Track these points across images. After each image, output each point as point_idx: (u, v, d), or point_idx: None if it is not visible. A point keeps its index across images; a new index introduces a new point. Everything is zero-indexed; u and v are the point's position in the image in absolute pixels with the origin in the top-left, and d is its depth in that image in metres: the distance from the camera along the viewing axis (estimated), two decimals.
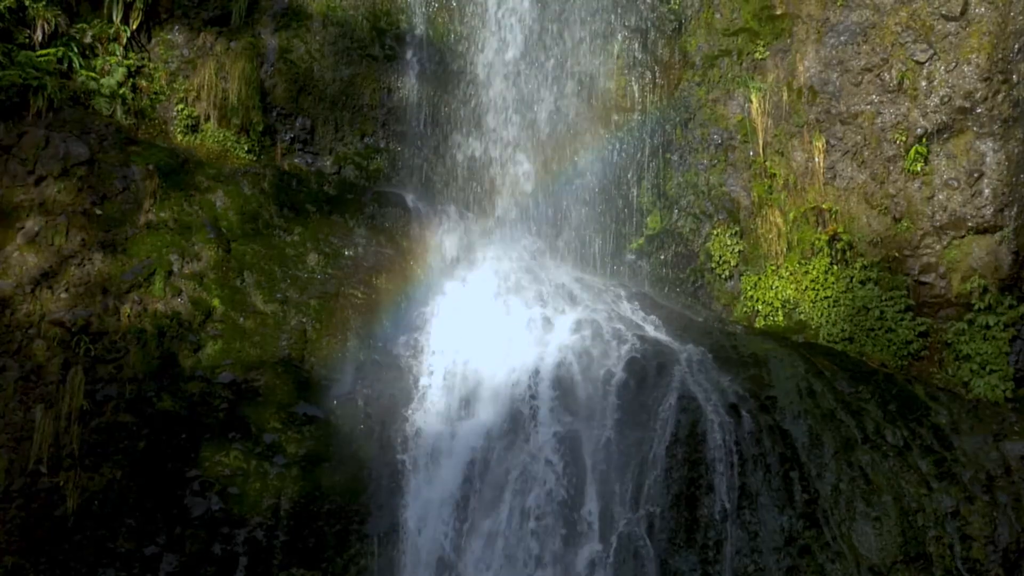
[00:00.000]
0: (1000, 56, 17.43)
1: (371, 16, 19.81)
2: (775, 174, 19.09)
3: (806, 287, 18.40)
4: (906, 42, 18.03)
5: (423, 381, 16.51)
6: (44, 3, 17.95)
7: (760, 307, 18.73)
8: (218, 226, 17.21)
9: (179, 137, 18.72)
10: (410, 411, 16.19)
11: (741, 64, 19.67)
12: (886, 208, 18.10)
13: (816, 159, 18.69)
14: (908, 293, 17.88)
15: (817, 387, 15.89)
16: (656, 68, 20.11)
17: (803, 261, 18.57)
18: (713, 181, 19.50)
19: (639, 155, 19.86)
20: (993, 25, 17.48)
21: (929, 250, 17.84)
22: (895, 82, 18.07)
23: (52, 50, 17.89)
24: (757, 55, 19.52)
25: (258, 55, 19.25)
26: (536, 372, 16.16)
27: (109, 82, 18.25)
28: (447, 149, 19.67)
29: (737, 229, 19.20)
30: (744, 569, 14.29)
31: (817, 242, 18.49)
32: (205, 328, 16.27)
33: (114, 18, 18.64)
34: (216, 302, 16.52)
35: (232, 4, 19.25)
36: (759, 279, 18.87)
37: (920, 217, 17.86)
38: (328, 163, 19.36)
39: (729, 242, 19.12)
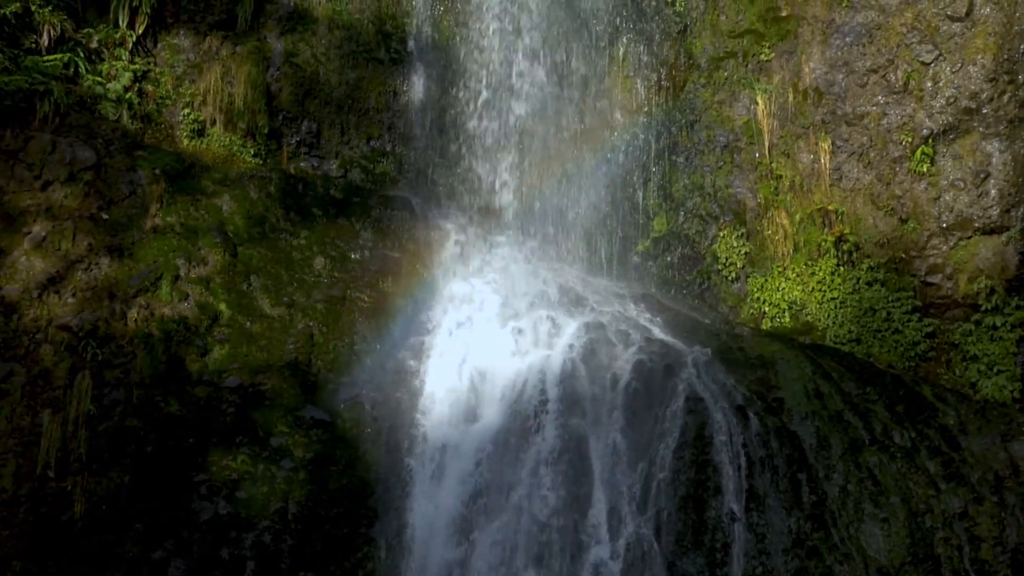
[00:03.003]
0: (1006, 56, 17.42)
1: (376, 19, 19.83)
2: (781, 175, 19.09)
3: (813, 288, 18.39)
4: (912, 43, 18.03)
5: (430, 384, 16.50)
6: (50, 8, 17.98)
7: (767, 308, 18.73)
8: (224, 230, 17.22)
9: (185, 141, 18.74)
10: (417, 415, 16.19)
11: (747, 66, 19.67)
12: (892, 209, 18.09)
13: (822, 160, 18.68)
14: (915, 294, 17.87)
15: (824, 388, 15.88)
16: (661, 70, 20.11)
17: (809, 262, 18.56)
18: (719, 183, 19.50)
19: (645, 157, 19.87)
20: (999, 25, 17.47)
21: (936, 251, 17.82)
22: (901, 83, 18.06)
23: (58, 55, 17.91)
24: (762, 57, 19.52)
25: (264, 59, 19.27)
26: (543, 375, 16.14)
27: (115, 87, 18.28)
28: (453, 152, 19.68)
29: (743, 231, 19.19)
30: (752, 571, 14.27)
31: (823, 243, 18.48)
32: (212, 332, 16.28)
33: (120, 23, 18.67)
34: (223, 306, 16.52)
35: (238, 8, 19.27)
36: (766, 280, 18.86)
37: (926, 218, 17.84)
38: (334, 167, 19.38)
39: (735, 244, 19.12)
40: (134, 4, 18.69)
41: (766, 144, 19.25)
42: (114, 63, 18.48)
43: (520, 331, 16.94)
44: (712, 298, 19.22)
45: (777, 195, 19.07)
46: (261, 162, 18.87)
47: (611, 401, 15.75)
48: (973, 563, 14.67)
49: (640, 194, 19.82)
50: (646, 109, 19.98)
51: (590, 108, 20.04)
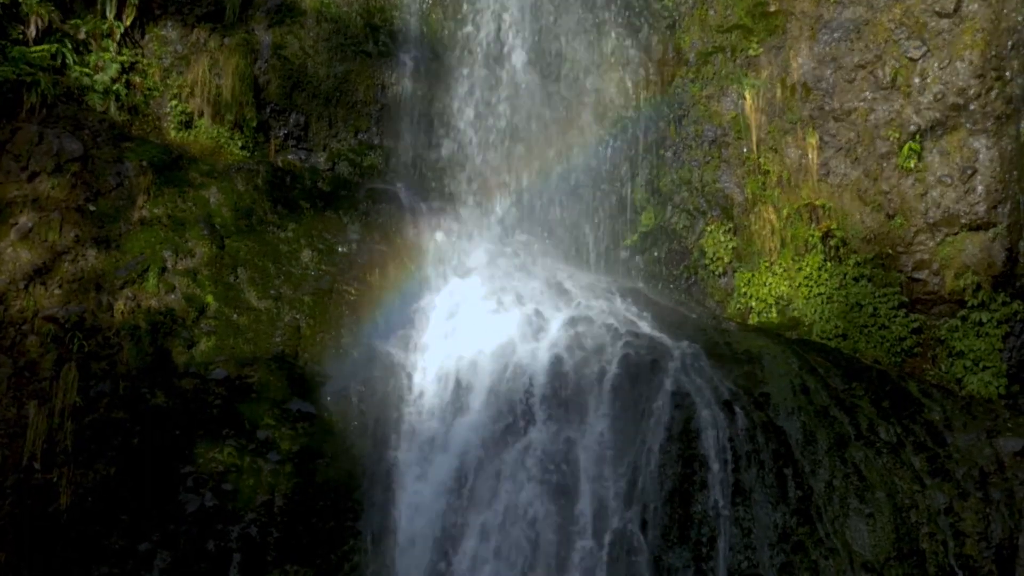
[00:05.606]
0: (993, 53, 17.45)
1: (365, 12, 19.80)
2: (769, 171, 19.10)
3: (800, 284, 18.41)
4: (900, 39, 18.06)
5: (416, 378, 16.49)
6: None
7: (754, 304, 18.75)
8: (212, 222, 17.20)
9: (173, 133, 18.70)
10: (404, 408, 16.18)
11: (735, 61, 19.67)
12: (879, 205, 18.12)
13: (810, 156, 18.71)
14: (901, 290, 17.91)
15: (811, 384, 15.90)
16: (650, 65, 20.12)
17: (796, 258, 18.58)
18: (707, 178, 19.50)
19: (633, 152, 19.87)
20: (986, 22, 17.51)
21: (922, 247, 17.86)
22: (888, 79, 18.09)
23: (46, 46, 17.85)
24: (751, 52, 19.52)
25: (252, 51, 19.23)
26: (530, 368, 16.14)
27: (103, 78, 18.23)
28: (440, 145, 19.66)
29: (731, 226, 19.21)
30: (738, 565, 14.30)
31: (811, 239, 18.50)
32: (199, 324, 16.25)
33: (108, 14, 18.61)
34: (210, 298, 16.50)
35: (226, 0, 19.23)
36: (753, 276, 18.88)
37: (913, 214, 17.88)
38: (322, 159, 19.35)
39: (723, 239, 19.14)
40: None
41: (754, 139, 19.26)
42: (102, 54, 18.43)
43: (507, 325, 16.94)
44: (699, 293, 19.24)
45: (764, 190, 19.08)
46: (249, 154, 18.84)
47: (597, 395, 15.76)
48: (958, 558, 14.72)
49: (628, 189, 19.83)
50: (634, 104, 19.98)
51: (578, 102, 20.03)
